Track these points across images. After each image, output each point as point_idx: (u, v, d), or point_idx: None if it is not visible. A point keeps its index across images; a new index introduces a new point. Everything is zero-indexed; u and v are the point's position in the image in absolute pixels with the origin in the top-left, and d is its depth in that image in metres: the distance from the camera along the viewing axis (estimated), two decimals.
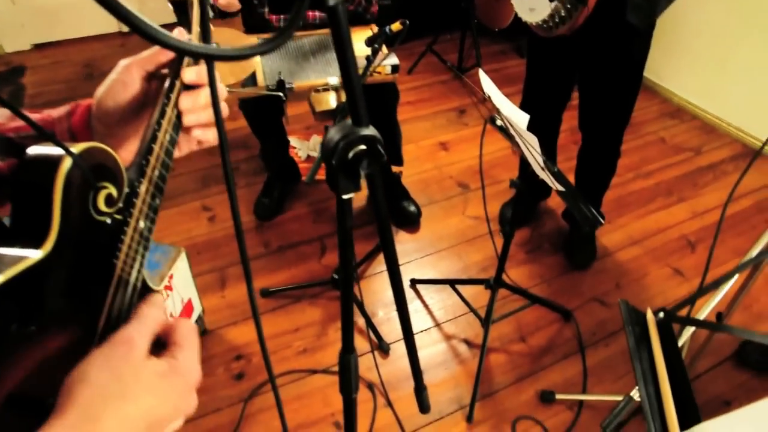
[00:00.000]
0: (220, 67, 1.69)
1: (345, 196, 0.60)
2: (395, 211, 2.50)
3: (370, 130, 0.57)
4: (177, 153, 0.67)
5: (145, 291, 0.58)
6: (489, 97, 1.37)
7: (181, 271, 1.82)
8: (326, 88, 1.82)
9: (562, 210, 2.53)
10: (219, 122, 0.50)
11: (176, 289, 1.80)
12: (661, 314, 0.60)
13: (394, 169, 2.50)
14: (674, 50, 3.37)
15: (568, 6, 1.58)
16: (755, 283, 1.62)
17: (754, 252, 1.29)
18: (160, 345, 0.52)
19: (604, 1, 1.59)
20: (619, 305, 0.62)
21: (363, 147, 0.57)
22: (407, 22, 1.53)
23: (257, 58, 1.82)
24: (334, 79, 1.80)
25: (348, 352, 0.79)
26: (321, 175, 2.67)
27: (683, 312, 0.60)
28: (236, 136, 3.00)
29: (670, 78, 3.47)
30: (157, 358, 0.49)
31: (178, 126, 0.62)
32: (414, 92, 3.43)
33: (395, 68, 1.91)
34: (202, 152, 2.73)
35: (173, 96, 0.60)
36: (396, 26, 1.56)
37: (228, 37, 1.86)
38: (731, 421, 0.53)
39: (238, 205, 0.54)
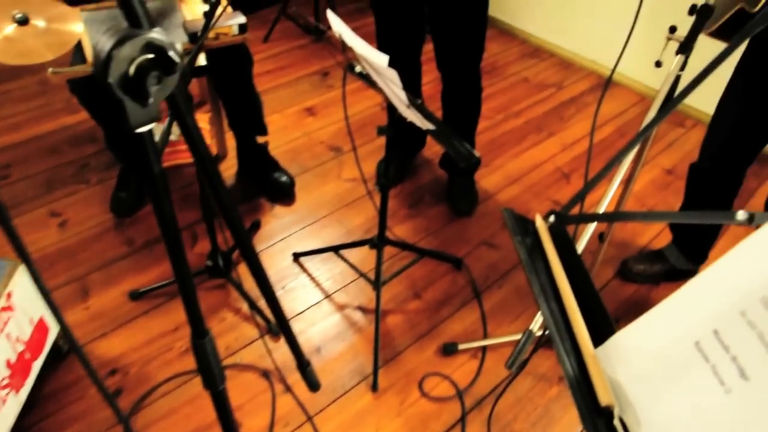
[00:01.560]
0: (32, 42, 1.43)
1: (140, 129, 0.45)
2: (267, 184, 2.33)
3: (155, 32, 0.42)
4: None
5: None
6: (340, 35, 1.24)
7: (22, 287, 1.56)
8: None
9: (438, 159, 2.47)
10: None
11: (20, 309, 1.54)
12: (552, 217, 0.52)
13: (260, 139, 2.32)
14: None
15: None
16: (627, 203, 1.65)
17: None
18: None
19: None
20: (503, 216, 0.53)
21: (149, 55, 0.42)
22: None
23: (81, 30, 1.57)
24: (178, 47, 1.59)
25: (199, 336, 0.64)
26: (178, 158, 2.44)
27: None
28: (81, 130, 2.67)
29: (526, 20, 3.53)
30: None
31: None
32: (272, 60, 3.23)
33: (243, 27, 1.73)
34: (41, 153, 2.34)
35: None
36: None
37: (41, 6, 1.59)
38: (645, 324, 0.45)
39: None
